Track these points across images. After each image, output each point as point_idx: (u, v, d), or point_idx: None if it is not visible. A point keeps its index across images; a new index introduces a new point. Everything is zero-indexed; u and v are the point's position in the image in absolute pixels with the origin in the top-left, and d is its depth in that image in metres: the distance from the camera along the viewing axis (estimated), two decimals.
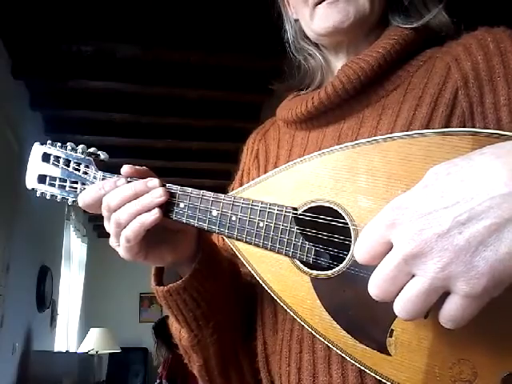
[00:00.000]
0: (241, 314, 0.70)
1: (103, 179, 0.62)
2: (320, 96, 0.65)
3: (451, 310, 0.37)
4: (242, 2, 2.39)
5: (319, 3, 0.65)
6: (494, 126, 0.53)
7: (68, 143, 0.66)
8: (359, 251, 0.40)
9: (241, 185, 0.77)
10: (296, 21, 0.74)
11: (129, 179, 0.59)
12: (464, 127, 0.55)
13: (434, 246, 0.35)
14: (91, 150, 0.65)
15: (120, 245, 0.57)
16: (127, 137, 3.96)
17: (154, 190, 0.56)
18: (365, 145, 0.50)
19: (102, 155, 0.65)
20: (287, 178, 0.56)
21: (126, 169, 0.59)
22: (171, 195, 0.57)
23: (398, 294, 0.38)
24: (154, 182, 0.57)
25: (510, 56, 0.56)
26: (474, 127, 0.55)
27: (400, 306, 0.38)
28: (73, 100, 3.47)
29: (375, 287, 0.39)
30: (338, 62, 0.70)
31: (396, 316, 0.47)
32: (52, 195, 0.66)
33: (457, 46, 0.60)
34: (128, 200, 0.56)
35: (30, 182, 0.67)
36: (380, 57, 0.62)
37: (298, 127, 0.72)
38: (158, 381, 3.82)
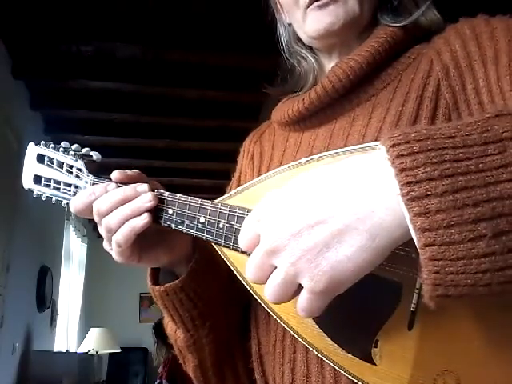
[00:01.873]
0: (237, 314, 0.70)
1: (94, 184, 0.62)
2: (310, 96, 0.66)
3: (301, 303, 0.40)
4: (242, 1, 2.39)
5: (310, 5, 0.65)
6: (477, 110, 0.54)
7: (62, 143, 0.66)
8: (240, 240, 0.44)
9: (238, 186, 0.78)
10: (289, 25, 0.74)
11: (119, 184, 0.59)
12: (449, 118, 0.56)
13: (288, 243, 0.39)
14: (84, 150, 0.65)
15: (112, 249, 0.58)
16: (127, 137, 3.96)
17: (144, 195, 0.57)
18: (345, 154, 0.50)
19: (95, 156, 0.65)
20: (276, 184, 0.55)
21: (115, 174, 0.59)
22: (160, 201, 0.58)
23: (266, 280, 0.42)
24: (143, 186, 0.57)
25: (484, 36, 0.56)
26: (459, 116, 0.55)
27: (266, 292, 0.42)
28: (73, 100, 3.47)
29: (249, 273, 0.43)
30: (330, 64, 0.70)
31: (381, 326, 0.47)
32: (47, 196, 0.66)
33: (439, 40, 0.61)
34: (118, 205, 0.56)
35: (26, 182, 0.67)
36: (369, 55, 0.62)
37: (291, 129, 0.72)
38: (158, 381, 3.82)
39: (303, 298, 0.40)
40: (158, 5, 2.55)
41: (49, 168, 0.65)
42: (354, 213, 0.37)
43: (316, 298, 0.39)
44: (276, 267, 0.40)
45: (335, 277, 0.38)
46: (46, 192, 0.66)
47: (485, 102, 0.53)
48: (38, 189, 0.66)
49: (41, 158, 0.66)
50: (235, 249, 0.54)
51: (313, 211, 0.39)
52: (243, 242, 0.44)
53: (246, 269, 0.43)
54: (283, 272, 0.40)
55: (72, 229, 5.04)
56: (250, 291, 0.56)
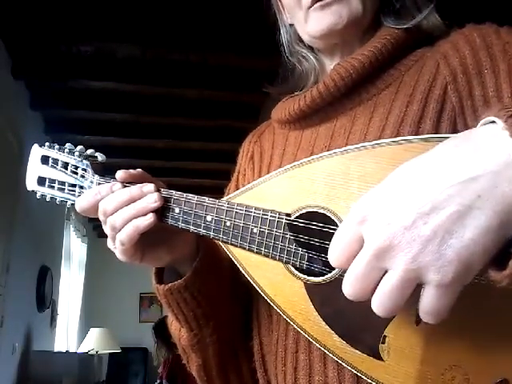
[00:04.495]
0: (240, 313, 0.70)
1: (99, 184, 0.63)
2: (312, 94, 0.66)
3: (428, 302, 0.36)
4: (242, 2, 2.39)
5: (312, 5, 0.65)
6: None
7: (67, 144, 0.67)
8: (334, 254, 0.39)
9: (237, 186, 0.78)
10: (291, 25, 0.75)
11: (124, 184, 0.60)
12: (455, 122, 0.56)
13: (402, 238, 0.35)
14: (89, 152, 0.66)
15: (116, 247, 0.58)
16: (127, 137, 3.96)
17: (149, 195, 0.57)
18: (353, 151, 0.50)
19: (100, 157, 0.65)
20: (281, 183, 0.56)
21: (120, 174, 0.60)
22: (166, 200, 0.58)
23: (372, 292, 0.37)
24: (148, 187, 0.58)
25: (495, 48, 0.56)
26: (464, 121, 0.56)
27: (377, 303, 0.37)
28: (73, 100, 3.47)
29: (350, 286, 0.38)
30: (332, 64, 0.71)
31: (389, 322, 0.47)
32: (52, 197, 0.67)
33: (445, 44, 0.62)
34: (123, 205, 0.57)
35: (30, 183, 0.68)
36: (372, 55, 0.63)
37: (291, 127, 0.72)
38: (158, 381, 3.82)
39: (430, 297, 0.36)
40: (158, 5, 2.55)
41: (53, 169, 0.66)
42: (474, 191, 0.34)
43: (445, 292, 0.35)
44: (386, 271, 0.36)
45: (464, 264, 0.34)
46: (51, 193, 0.66)
47: None
48: (41, 190, 0.67)
49: (45, 160, 0.67)
50: (241, 246, 0.55)
51: (424, 197, 0.35)
52: (336, 251, 0.38)
53: (344, 283, 0.38)
54: (400, 272, 0.35)
55: (72, 229, 5.03)
56: (259, 290, 0.56)
